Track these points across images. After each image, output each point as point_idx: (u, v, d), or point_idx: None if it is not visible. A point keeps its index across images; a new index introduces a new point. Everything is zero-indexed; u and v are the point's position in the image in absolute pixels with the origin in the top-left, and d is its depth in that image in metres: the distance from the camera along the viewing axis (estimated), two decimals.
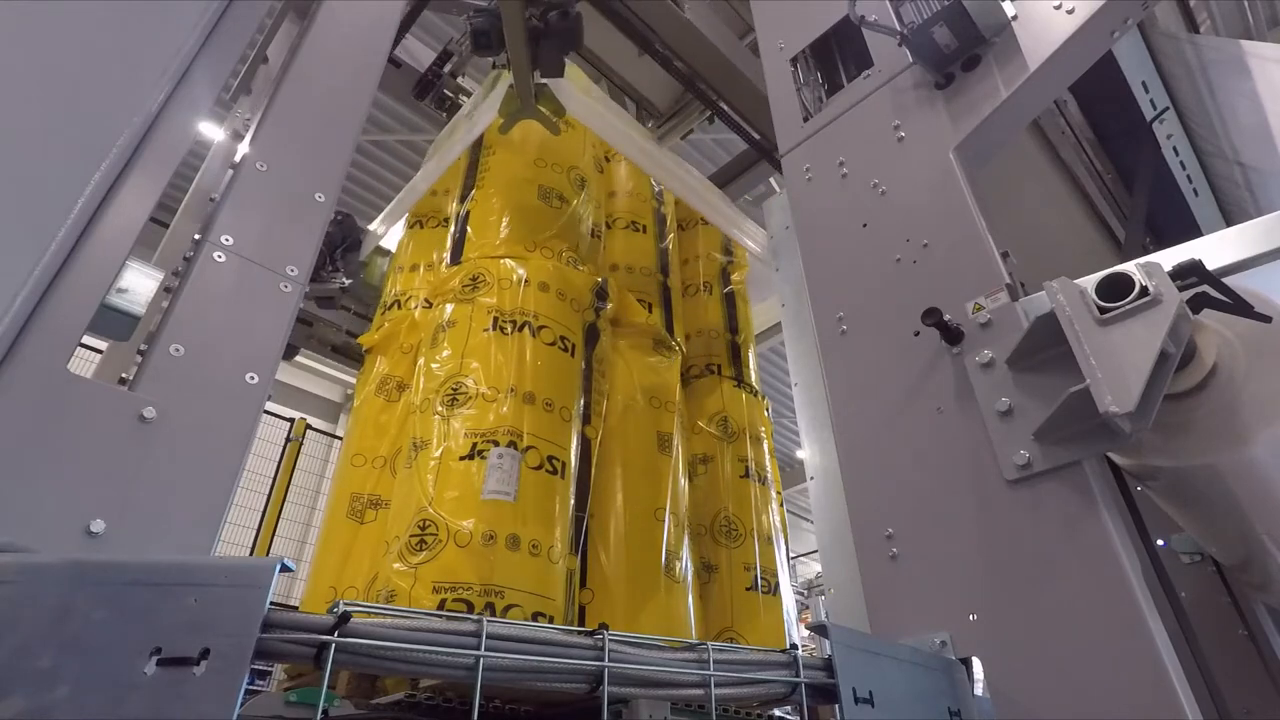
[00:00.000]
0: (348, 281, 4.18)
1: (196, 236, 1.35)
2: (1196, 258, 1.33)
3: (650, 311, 3.63)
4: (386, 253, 4.52)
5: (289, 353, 3.30)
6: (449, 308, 3.19)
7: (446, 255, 3.52)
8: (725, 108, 3.86)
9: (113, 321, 1.12)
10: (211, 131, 2.82)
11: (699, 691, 0.97)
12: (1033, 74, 1.79)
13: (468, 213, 3.44)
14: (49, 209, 1.04)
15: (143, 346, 1.23)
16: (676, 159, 3.86)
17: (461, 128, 3.79)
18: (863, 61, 2.22)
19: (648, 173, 3.84)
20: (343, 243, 4.26)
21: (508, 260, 3.16)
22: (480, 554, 2.54)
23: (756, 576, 3.30)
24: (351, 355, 5.05)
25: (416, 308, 3.56)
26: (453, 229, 3.57)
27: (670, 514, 3.11)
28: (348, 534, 3.24)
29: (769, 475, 3.76)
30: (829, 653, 1.07)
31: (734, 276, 4.22)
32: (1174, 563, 2.01)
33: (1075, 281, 1.37)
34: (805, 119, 2.30)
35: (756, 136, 3.92)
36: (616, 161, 4.12)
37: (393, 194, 9.62)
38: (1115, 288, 1.32)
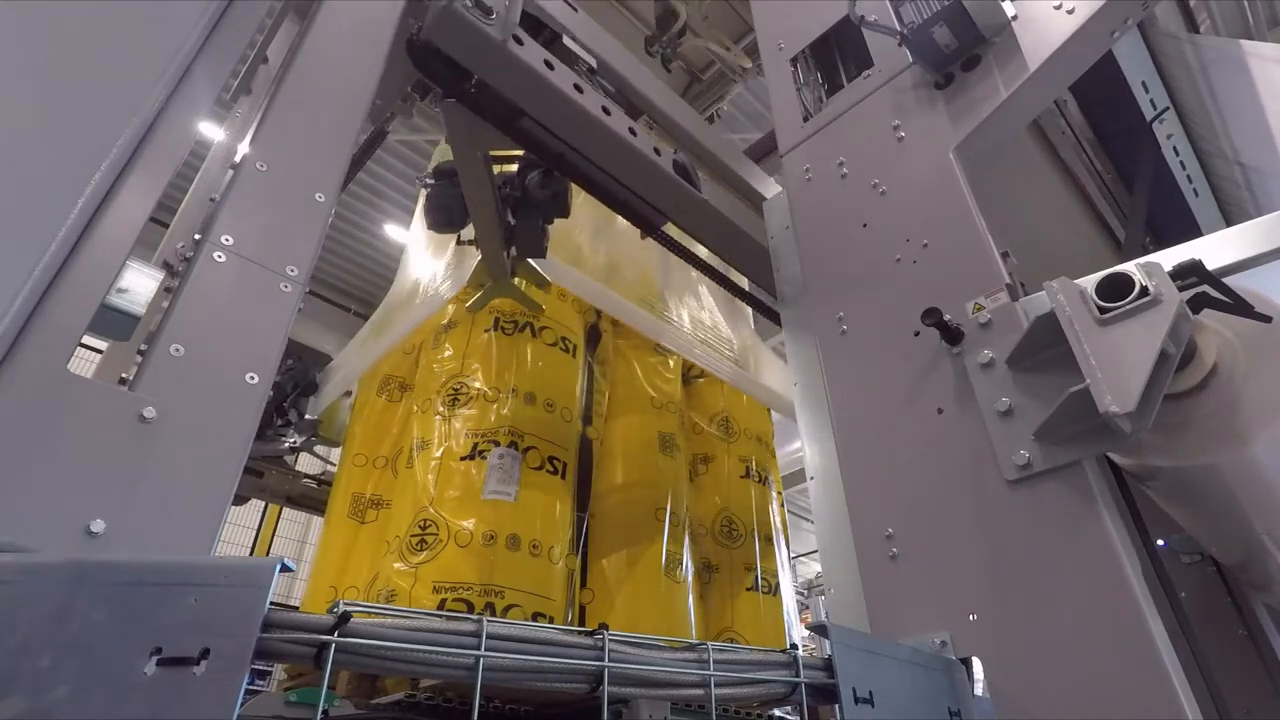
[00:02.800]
0: (299, 440, 3.68)
1: (196, 236, 1.35)
2: (1196, 258, 1.33)
3: (651, 312, 3.63)
4: (348, 393, 3.92)
5: (237, 501, 2.34)
6: (450, 308, 3.19)
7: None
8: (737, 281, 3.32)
9: (113, 321, 1.12)
10: (211, 131, 2.82)
11: (699, 691, 0.97)
12: (1033, 74, 1.79)
13: None
14: (49, 209, 1.04)
15: (143, 346, 1.23)
16: (683, 323, 3.49)
17: (405, 298, 3.24)
18: (863, 61, 2.22)
19: (656, 339, 3.43)
20: (295, 389, 3.71)
21: None
22: (480, 554, 2.55)
23: (757, 576, 3.30)
24: (308, 506, 4.39)
25: None
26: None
27: (671, 514, 3.11)
28: (348, 534, 3.24)
29: (769, 475, 3.76)
30: (829, 653, 1.07)
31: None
32: (1174, 563, 2.00)
33: (1075, 281, 1.37)
34: (805, 119, 2.30)
35: (770, 302, 3.16)
36: None
37: (393, 194, 9.66)
38: (1115, 288, 1.32)
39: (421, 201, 2.81)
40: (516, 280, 2.80)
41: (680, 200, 2.39)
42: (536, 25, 2.24)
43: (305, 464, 4.72)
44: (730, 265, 3.03)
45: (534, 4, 2.23)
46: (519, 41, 1.92)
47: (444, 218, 2.57)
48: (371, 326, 3.74)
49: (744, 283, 3.29)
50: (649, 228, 2.56)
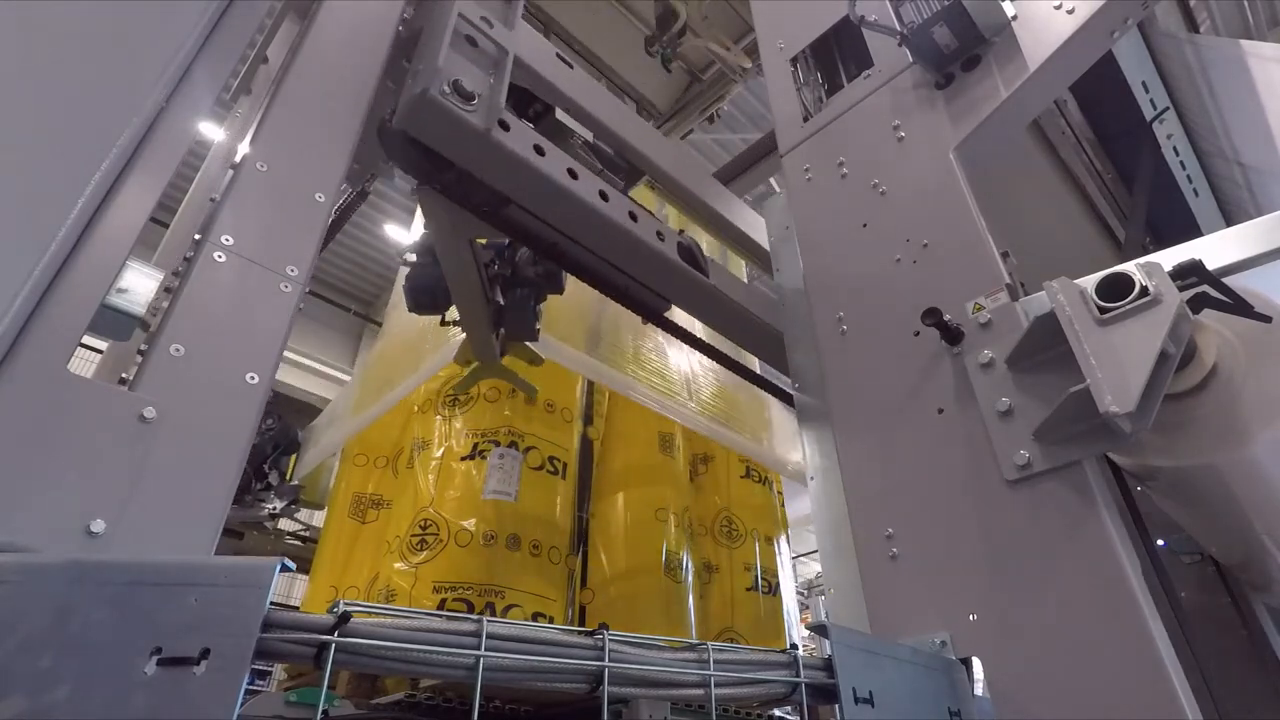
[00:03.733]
0: (279, 506, 3.53)
1: (197, 236, 1.35)
2: (1196, 258, 1.33)
3: None
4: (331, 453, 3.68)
5: None
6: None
7: None
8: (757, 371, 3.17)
9: (113, 321, 1.12)
10: (211, 131, 2.82)
11: (699, 691, 0.97)
12: (1033, 74, 1.79)
13: None
14: (49, 209, 1.04)
15: (143, 346, 1.23)
16: (686, 396, 3.22)
17: (399, 370, 3.02)
18: (863, 61, 2.22)
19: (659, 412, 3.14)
20: (275, 449, 3.55)
21: None
22: (481, 554, 2.55)
23: (757, 576, 3.30)
24: (296, 570, 4.11)
25: None
26: None
27: (671, 514, 3.11)
28: (349, 533, 3.24)
29: (769, 475, 3.76)
30: (829, 653, 1.07)
31: None
32: (1174, 563, 2.00)
33: (1075, 281, 1.37)
34: (805, 119, 2.30)
35: (784, 385, 2.84)
36: None
37: (393, 193, 9.65)
38: (1115, 288, 1.32)
39: (400, 280, 2.53)
40: (507, 359, 2.58)
41: (686, 286, 2.21)
42: (525, 95, 2.08)
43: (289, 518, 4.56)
44: (741, 347, 2.84)
45: (523, 73, 2.05)
46: (505, 127, 1.71)
47: (426, 300, 2.35)
48: (360, 383, 3.47)
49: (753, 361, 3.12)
50: (651, 314, 2.37)
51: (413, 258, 2.37)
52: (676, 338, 2.67)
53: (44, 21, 1.16)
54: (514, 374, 2.64)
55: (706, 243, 3.84)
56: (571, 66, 2.25)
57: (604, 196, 1.95)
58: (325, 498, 3.63)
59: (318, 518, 3.64)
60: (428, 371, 2.85)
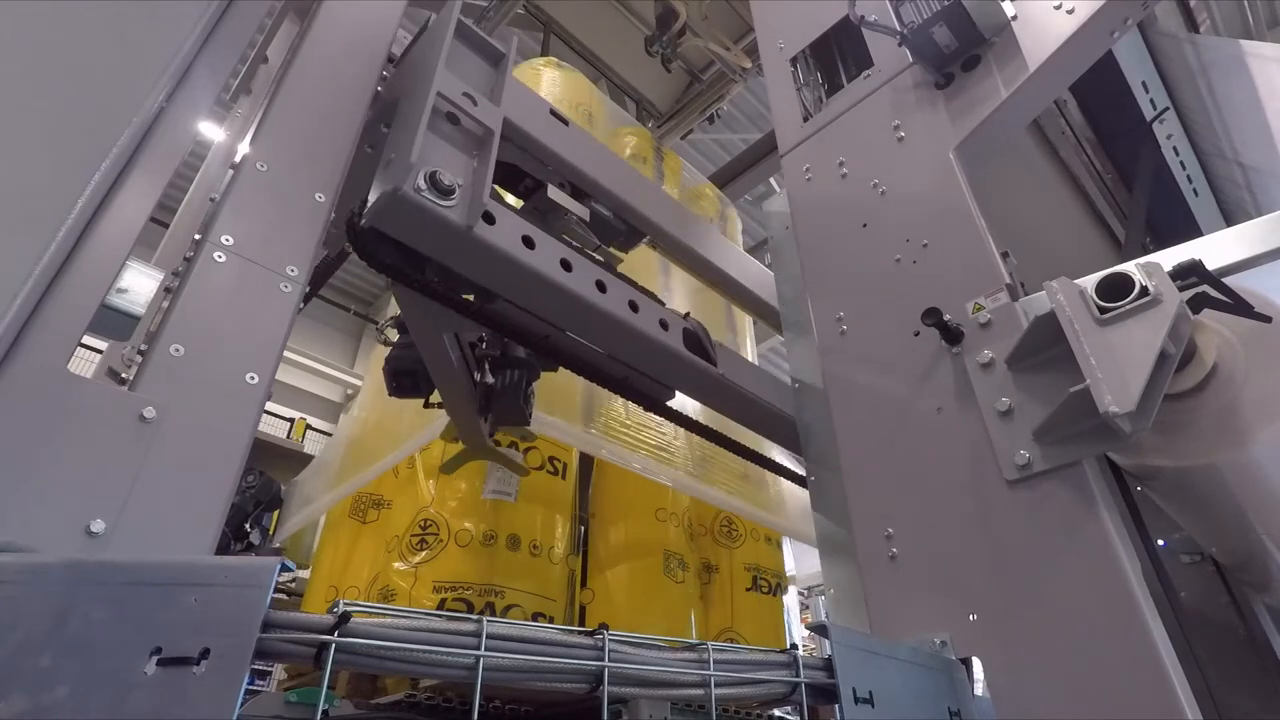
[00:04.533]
0: None
1: (197, 236, 1.35)
2: (1196, 258, 1.33)
3: None
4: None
5: None
6: None
7: None
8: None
9: (113, 321, 1.12)
10: (211, 131, 2.82)
11: (699, 691, 0.97)
12: (1033, 74, 1.79)
13: None
14: (49, 209, 1.04)
15: (143, 346, 1.23)
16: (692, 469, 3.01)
17: (381, 443, 2.84)
18: (863, 61, 2.22)
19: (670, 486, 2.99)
20: (257, 507, 3.44)
21: None
22: (481, 554, 2.55)
23: (756, 577, 3.30)
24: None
25: None
26: None
27: (671, 514, 3.11)
28: (349, 533, 3.24)
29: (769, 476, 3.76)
30: (829, 653, 1.07)
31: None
32: (1174, 563, 2.00)
33: (1075, 281, 1.37)
34: (805, 119, 2.30)
35: (799, 465, 2.68)
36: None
37: None
38: (1115, 288, 1.32)
39: (380, 363, 2.32)
40: (496, 438, 2.40)
41: (692, 375, 2.06)
42: (515, 170, 1.92)
43: None
44: (752, 431, 2.64)
45: (514, 134, 1.89)
46: (490, 219, 1.56)
47: (407, 383, 2.16)
48: (348, 446, 3.31)
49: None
50: (654, 405, 2.23)
51: (394, 334, 2.17)
52: (681, 425, 2.46)
53: (44, 21, 1.16)
54: (505, 455, 2.47)
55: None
56: (567, 123, 2.08)
57: (601, 287, 1.80)
58: (310, 557, 3.51)
59: (303, 570, 3.53)
60: (411, 447, 2.70)
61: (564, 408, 2.63)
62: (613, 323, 1.83)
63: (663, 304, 2.07)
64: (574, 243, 1.98)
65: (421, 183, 1.45)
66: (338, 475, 3.17)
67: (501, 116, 1.71)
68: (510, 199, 2.06)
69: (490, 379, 2.09)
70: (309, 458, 4.29)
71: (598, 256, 2.02)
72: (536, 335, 1.91)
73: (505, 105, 1.75)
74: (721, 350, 2.16)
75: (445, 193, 1.48)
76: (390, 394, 2.25)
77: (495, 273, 1.66)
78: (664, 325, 1.95)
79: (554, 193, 1.95)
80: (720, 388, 2.16)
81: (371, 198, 1.50)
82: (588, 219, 2.04)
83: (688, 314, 2.14)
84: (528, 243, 1.64)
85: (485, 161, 1.59)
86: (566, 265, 1.72)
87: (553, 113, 2.05)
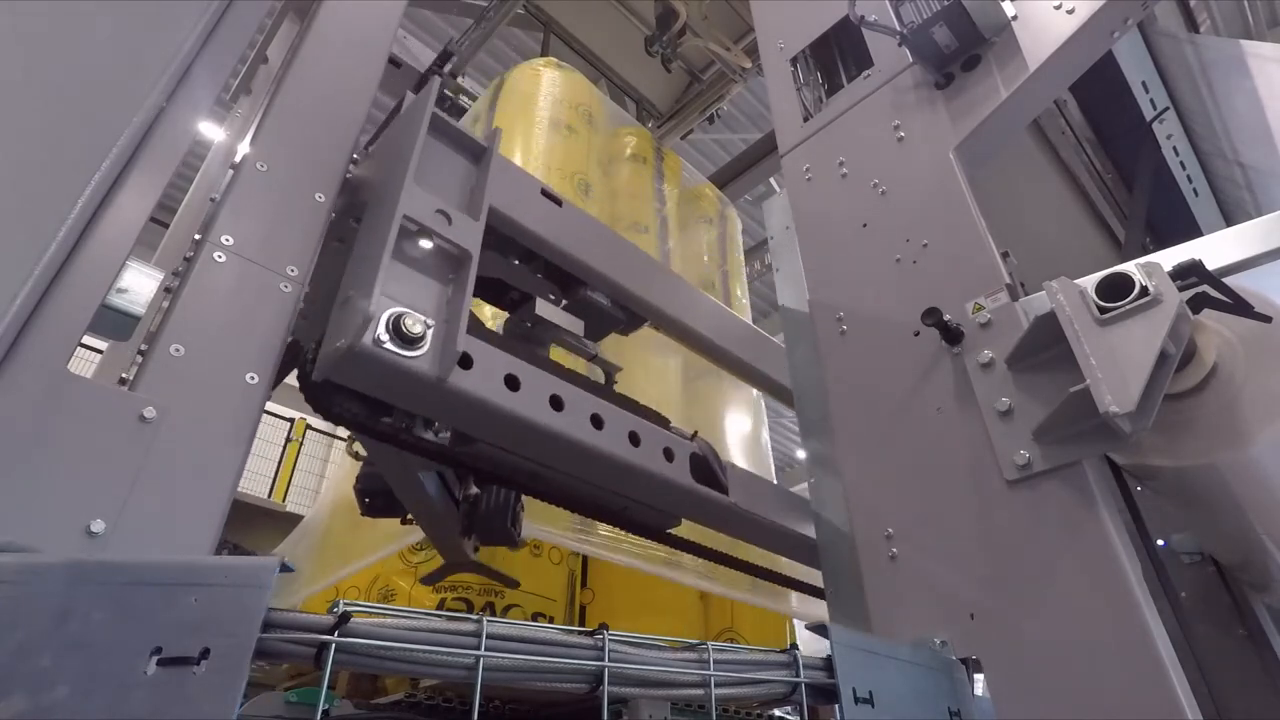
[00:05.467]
0: None
1: (196, 236, 1.35)
2: (1196, 258, 1.33)
3: None
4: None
5: None
6: None
7: None
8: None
9: (113, 321, 1.12)
10: (211, 131, 2.82)
11: (699, 691, 0.97)
12: (1033, 74, 1.79)
13: None
14: (49, 209, 1.04)
15: (143, 346, 1.23)
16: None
17: (357, 545, 2.54)
18: (863, 61, 2.22)
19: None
20: None
21: None
22: (480, 554, 2.54)
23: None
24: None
25: None
26: None
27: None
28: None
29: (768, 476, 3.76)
30: (829, 653, 1.08)
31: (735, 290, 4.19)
32: (1174, 563, 2.00)
33: (1075, 281, 1.37)
34: (805, 119, 2.30)
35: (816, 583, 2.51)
36: (621, 163, 4.10)
37: None
38: (1115, 288, 1.32)
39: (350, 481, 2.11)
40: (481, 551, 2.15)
41: (700, 504, 1.85)
42: (499, 285, 1.73)
43: None
44: (768, 551, 2.44)
45: (494, 262, 1.70)
46: (467, 363, 1.35)
47: (380, 504, 1.98)
48: (323, 538, 3.08)
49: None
50: (654, 532, 2.04)
51: (362, 451, 1.95)
52: (687, 551, 2.25)
53: (44, 21, 1.16)
54: (492, 569, 2.23)
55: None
56: (560, 203, 1.87)
57: (598, 422, 1.59)
58: None
59: None
60: (390, 549, 2.49)
61: (558, 518, 2.35)
62: (611, 461, 1.63)
63: (667, 421, 1.86)
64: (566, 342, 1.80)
65: (383, 333, 1.22)
66: (310, 577, 2.89)
67: (481, 232, 1.50)
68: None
69: (474, 490, 1.87)
70: (294, 517, 4.04)
71: (591, 379, 1.83)
72: (522, 474, 1.69)
73: (491, 193, 1.59)
74: (733, 472, 1.96)
75: (412, 342, 1.25)
76: (362, 514, 2.09)
77: (474, 420, 1.46)
78: (669, 455, 1.75)
79: (544, 308, 1.75)
80: (732, 515, 1.96)
81: (326, 345, 1.30)
82: (582, 333, 1.83)
83: (695, 434, 1.92)
84: (511, 383, 1.43)
85: (462, 289, 1.38)
86: (557, 403, 1.51)
87: (544, 193, 1.85)
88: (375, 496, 2.00)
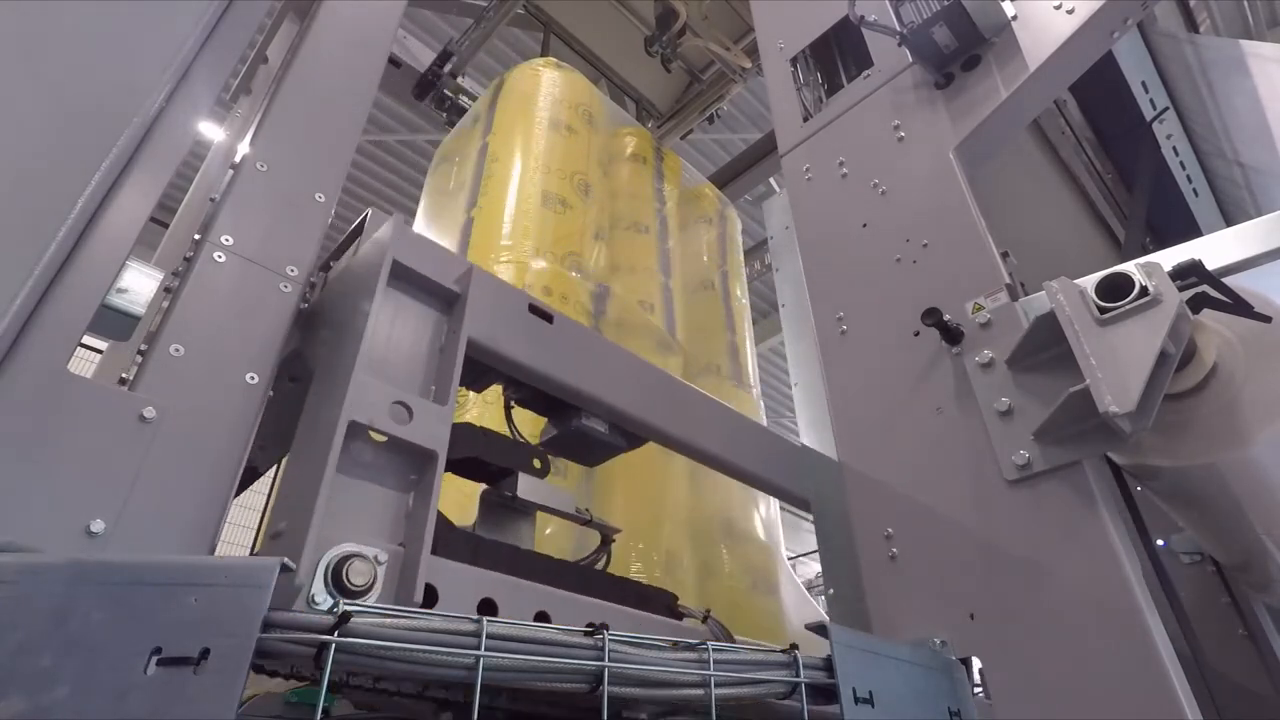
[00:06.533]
0: None
1: (196, 236, 1.35)
2: (1196, 258, 1.33)
3: (652, 313, 3.62)
4: None
5: None
6: None
7: None
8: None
9: (113, 321, 1.12)
10: (211, 131, 2.82)
11: (699, 691, 0.97)
12: (1033, 74, 1.79)
13: (471, 220, 3.43)
14: (49, 209, 1.04)
15: (143, 346, 1.23)
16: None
17: None
18: (863, 61, 2.22)
19: None
20: None
21: (510, 266, 3.15)
22: None
23: (756, 578, 3.30)
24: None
25: None
26: (457, 237, 3.56)
27: (671, 514, 3.11)
28: None
29: None
30: (829, 653, 1.07)
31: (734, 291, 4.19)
32: (1174, 563, 2.01)
33: (1075, 281, 1.37)
34: (805, 119, 2.30)
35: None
36: (621, 163, 4.10)
37: (393, 194, 9.64)
38: (1115, 288, 1.32)
39: None
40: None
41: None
42: (477, 462, 1.46)
43: None
44: None
45: (470, 439, 1.41)
46: (432, 596, 1.05)
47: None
48: None
49: None
50: None
51: None
52: None
53: (44, 21, 1.16)
54: None
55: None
56: (551, 320, 1.59)
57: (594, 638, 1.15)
58: None
59: None
60: None
61: None
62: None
63: (675, 599, 1.65)
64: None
65: (319, 590, 0.93)
66: None
67: (450, 419, 1.22)
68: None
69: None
70: None
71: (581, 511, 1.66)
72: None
73: (470, 321, 1.34)
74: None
75: (356, 595, 0.95)
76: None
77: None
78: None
79: (527, 488, 1.55)
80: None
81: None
82: (575, 509, 1.65)
83: (708, 614, 1.73)
84: (487, 608, 1.14)
85: (425, 498, 1.10)
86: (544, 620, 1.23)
87: (533, 308, 1.57)
88: None
